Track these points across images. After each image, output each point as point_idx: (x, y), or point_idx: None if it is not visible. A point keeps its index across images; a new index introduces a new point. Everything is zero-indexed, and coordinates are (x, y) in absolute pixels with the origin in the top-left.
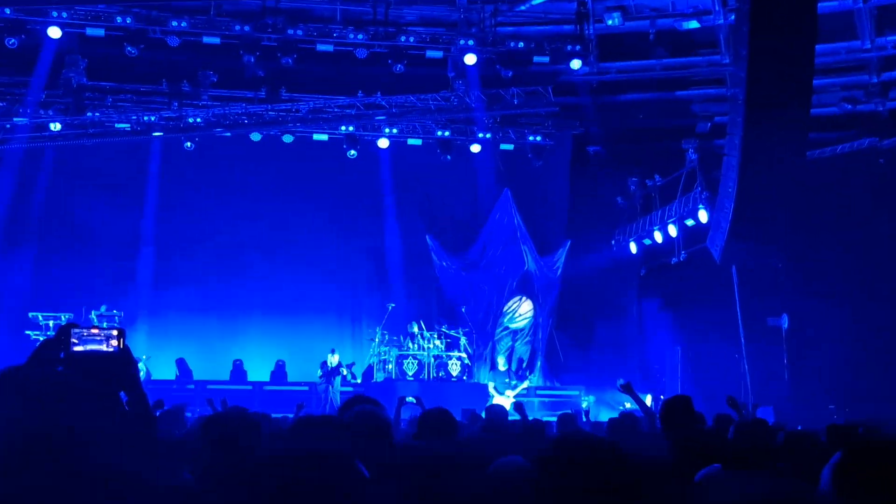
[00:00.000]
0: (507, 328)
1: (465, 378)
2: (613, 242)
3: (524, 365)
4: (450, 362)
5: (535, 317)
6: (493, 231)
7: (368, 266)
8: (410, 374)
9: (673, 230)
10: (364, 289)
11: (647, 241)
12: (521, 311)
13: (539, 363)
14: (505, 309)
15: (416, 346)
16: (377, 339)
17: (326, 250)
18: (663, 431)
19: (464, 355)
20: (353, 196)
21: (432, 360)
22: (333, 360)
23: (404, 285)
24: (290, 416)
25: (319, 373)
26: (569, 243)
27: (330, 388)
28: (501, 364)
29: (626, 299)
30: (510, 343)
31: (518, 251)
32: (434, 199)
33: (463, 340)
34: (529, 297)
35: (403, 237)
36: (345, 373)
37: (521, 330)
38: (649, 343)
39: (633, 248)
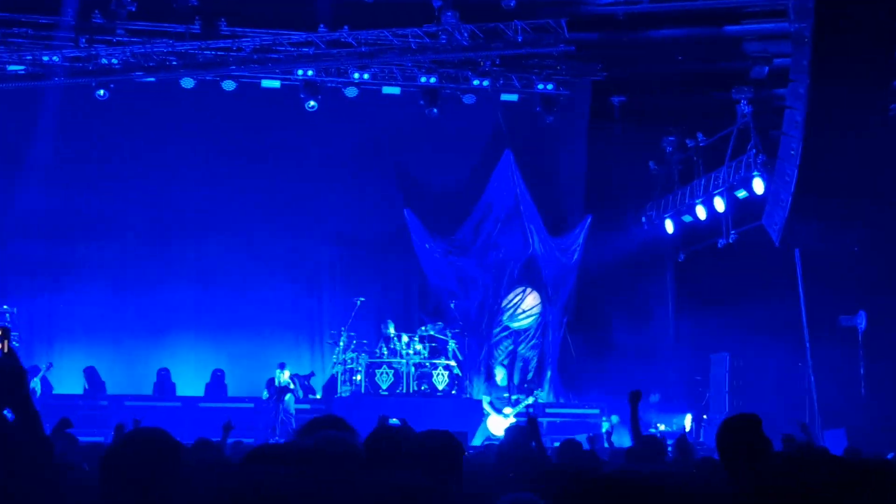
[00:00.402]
0: (507, 328)
1: (453, 392)
2: (644, 220)
3: (529, 376)
4: (435, 372)
5: (542, 314)
6: (490, 205)
7: (331, 250)
8: (385, 387)
9: (720, 204)
10: (325, 279)
11: (687, 219)
12: (526, 306)
13: (549, 374)
14: (504, 304)
15: (391, 351)
16: (342, 344)
17: (277, 230)
18: (724, 463)
19: (452, 363)
20: (313, 161)
21: (412, 369)
22: (284, 376)
23: (376, 274)
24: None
25: (266, 395)
26: (588, 221)
27: (281, 406)
28: (500, 375)
29: (659, 292)
30: (511, 347)
31: (521, 230)
32: (415, 164)
33: (451, 345)
34: (536, 288)
35: (376, 213)
36: (292, 386)
37: (525, 331)
38: (688, 348)
39: (670, 227)
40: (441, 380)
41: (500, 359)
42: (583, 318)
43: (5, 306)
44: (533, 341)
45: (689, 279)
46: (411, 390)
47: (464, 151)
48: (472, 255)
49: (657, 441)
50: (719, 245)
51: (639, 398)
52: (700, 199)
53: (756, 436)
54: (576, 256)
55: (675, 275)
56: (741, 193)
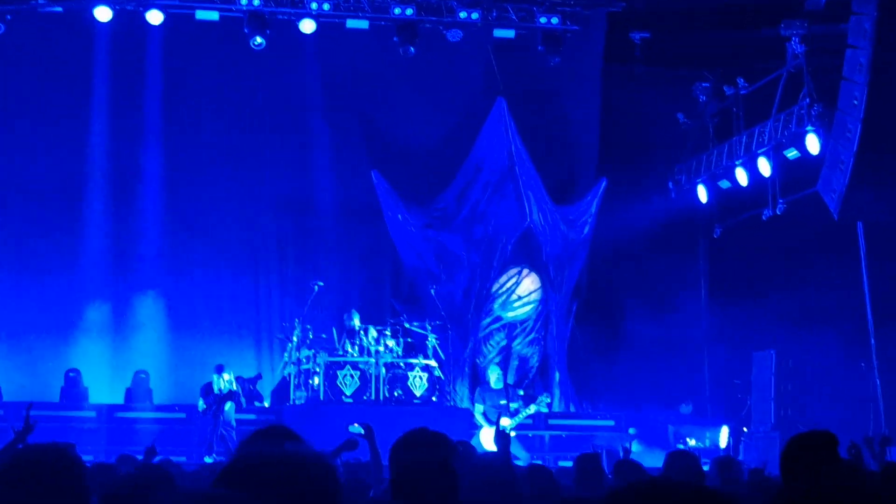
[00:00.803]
0: (499, 319)
1: (434, 399)
2: (671, 186)
3: (530, 377)
4: (411, 374)
5: (543, 301)
6: (478, 167)
7: (282, 223)
8: (349, 392)
9: (765, 166)
10: (274, 258)
11: (725, 184)
12: (522, 291)
13: (557, 376)
14: (495, 289)
15: (356, 349)
16: (295, 339)
17: (214, 197)
18: (787, 488)
19: (433, 363)
20: (259, 111)
21: (383, 370)
22: (223, 381)
23: (338, 253)
24: (174, 458)
25: (202, 404)
26: (601, 186)
27: (219, 417)
28: (494, 377)
29: (689, 275)
30: (504, 343)
31: (517, 198)
32: (387, 116)
33: (431, 340)
34: (534, 269)
35: (337, 176)
36: (235, 388)
37: (523, 322)
38: (725, 345)
39: (703, 194)
40: (419, 384)
41: (491, 356)
42: (594, 307)
43: None
44: (532, 335)
45: (727, 259)
46: (382, 397)
47: (446, 101)
48: (455, 228)
49: (690, 458)
50: (764, 217)
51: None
52: (740, 161)
53: (831, 459)
54: (586, 230)
55: (708, 254)
56: (791, 153)
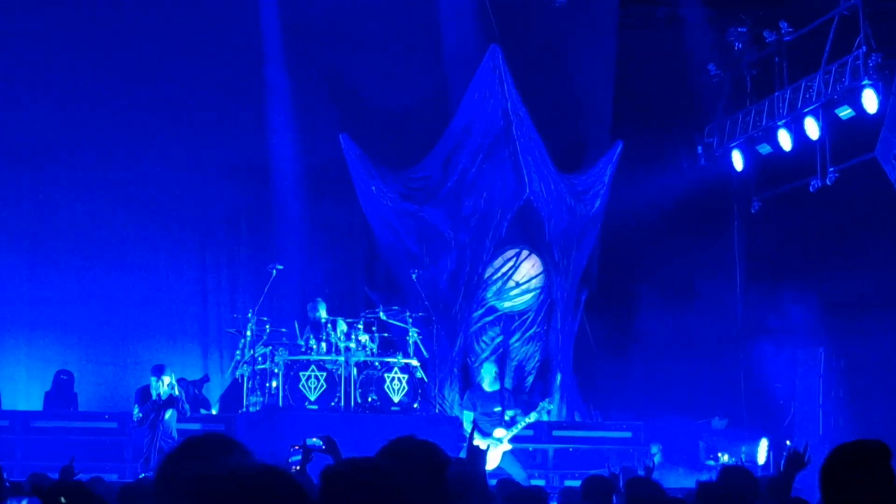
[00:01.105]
0: (493, 310)
1: (416, 406)
2: (700, 151)
3: (529, 381)
4: (388, 376)
5: (546, 288)
6: (467, 128)
7: (234, 194)
8: (313, 398)
9: (813, 127)
10: (225, 237)
11: (765, 149)
12: (521, 277)
13: (559, 378)
14: (488, 274)
15: (323, 345)
16: (249, 334)
17: (148, 165)
18: None
19: (414, 363)
20: (202, 62)
21: (354, 371)
22: (163, 385)
23: (301, 233)
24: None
25: (137, 412)
26: (617, 151)
27: (159, 427)
28: (487, 379)
29: (721, 258)
30: (500, 339)
31: (513, 164)
32: (357, 68)
33: (413, 335)
34: (536, 250)
35: (300, 140)
36: (177, 392)
37: (522, 314)
38: (764, 341)
39: (738, 161)
40: (397, 387)
41: (485, 355)
42: (607, 296)
43: None
44: (533, 329)
45: (766, 239)
46: (353, 403)
47: (430, 50)
48: (439, 201)
49: (745, 475)
50: (811, 189)
51: (799, 466)
52: (783, 121)
53: (883, 475)
54: (597, 204)
55: (744, 233)
56: (845, 112)
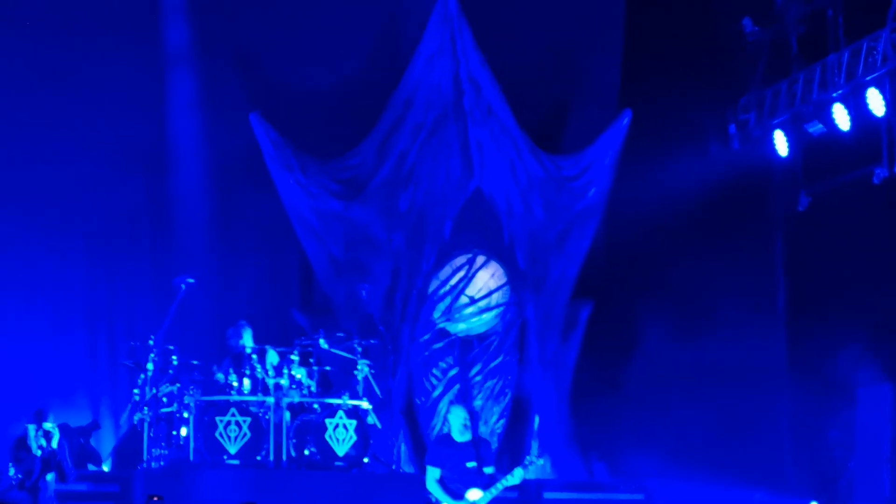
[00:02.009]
0: (443, 334)
1: (366, 461)
2: (734, 130)
3: (496, 424)
4: (330, 422)
5: (514, 304)
6: (408, 100)
7: (131, 189)
8: (233, 450)
9: (877, 101)
10: (121, 243)
11: (816, 128)
12: (476, 290)
13: (537, 420)
14: (433, 288)
15: (247, 382)
16: (151, 367)
17: (29, 154)
18: None
19: (365, 405)
20: (97, 28)
21: (287, 416)
22: (46, 435)
23: (217, 237)
24: None
25: (14, 472)
26: (625, 122)
27: (44, 491)
28: (458, 424)
29: (760, 269)
30: (455, 371)
31: (460, 146)
32: (269, 31)
33: (363, 368)
34: (495, 257)
35: (213, 120)
36: (51, 444)
37: (485, 339)
38: (814, 377)
39: (782, 144)
40: (343, 436)
41: (438, 392)
42: (613, 315)
43: None
44: (500, 358)
45: (817, 245)
46: (285, 457)
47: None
48: (370, 195)
49: None
50: (875, 180)
51: None
52: (839, 93)
53: None
54: (592, 192)
55: (790, 237)
56: None
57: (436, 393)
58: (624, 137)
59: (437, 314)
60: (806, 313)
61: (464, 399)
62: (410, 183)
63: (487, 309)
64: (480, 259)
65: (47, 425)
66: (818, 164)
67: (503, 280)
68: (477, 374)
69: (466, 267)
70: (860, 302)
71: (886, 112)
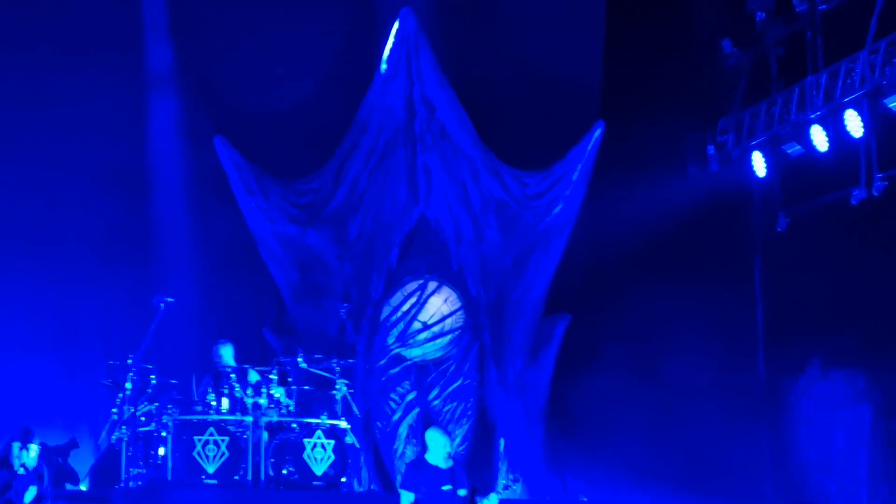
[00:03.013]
0: (399, 359)
1: (343, 481)
2: (712, 151)
3: (457, 448)
4: (308, 442)
5: (470, 329)
6: (364, 124)
7: (108, 207)
8: (211, 469)
9: (855, 123)
10: (97, 264)
11: (795, 149)
12: (429, 316)
13: (502, 444)
14: (385, 314)
15: (225, 401)
16: (129, 386)
17: (3, 172)
18: None
19: (343, 424)
20: (76, 47)
21: (265, 435)
22: (29, 456)
23: (197, 255)
24: None
25: None
26: (595, 135)
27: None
28: (443, 452)
29: (737, 290)
30: (411, 395)
31: (407, 171)
32: (232, 52)
33: (341, 388)
34: (447, 282)
35: (191, 141)
36: (37, 464)
37: (441, 364)
38: (791, 397)
39: (760, 165)
40: (321, 455)
41: (397, 417)
42: (587, 333)
43: None
44: (458, 382)
45: (796, 265)
46: (263, 476)
47: (339, 17)
48: (324, 221)
49: None
50: (853, 201)
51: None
52: (818, 114)
53: None
54: (558, 209)
55: (768, 257)
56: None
57: (395, 417)
58: (596, 150)
59: (391, 340)
60: (784, 333)
61: (428, 423)
62: (360, 209)
63: (441, 334)
64: (432, 285)
65: (32, 446)
66: (796, 185)
67: (457, 305)
68: (435, 398)
69: (418, 293)
70: (838, 322)
71: (864, 133)
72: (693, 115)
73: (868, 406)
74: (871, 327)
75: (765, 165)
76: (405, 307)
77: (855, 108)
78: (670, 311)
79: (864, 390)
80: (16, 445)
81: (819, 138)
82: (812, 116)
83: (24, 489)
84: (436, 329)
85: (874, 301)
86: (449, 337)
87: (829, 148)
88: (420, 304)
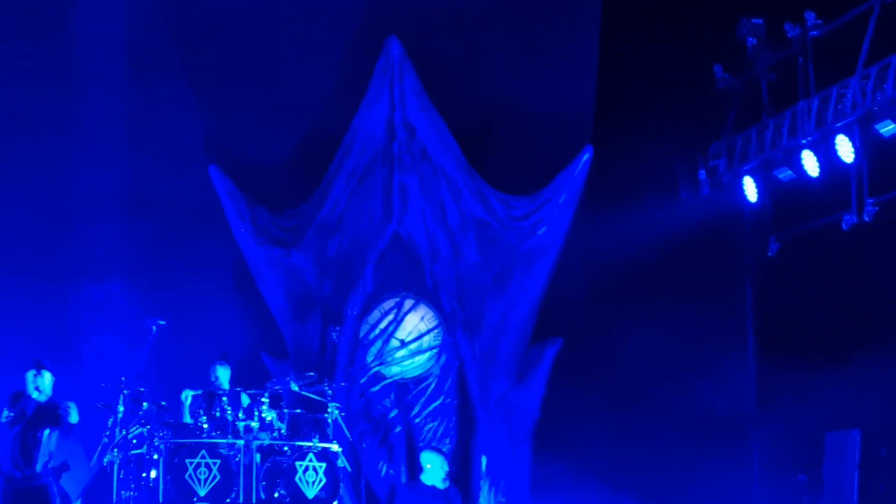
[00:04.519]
0: (379, 377)
1: None
2: (703, 177)
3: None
4: (300, 465)
5: (448, 346)
6: (348, 147)
7: (101, 229)
8: (203, 493)
9: (846, 148)
10: (91, 284)
11: (786, 174)
12: (406, 333)
13: (484, 462)
14: (363, 332)
15: (217, 424)
16: (121, 409)
17: (7, 203)
18: None
19: (335, 447)
20: (63, 66)
21: (258, 458)
22: (45, 380)
23: (190, 276)
24: None
25: (7, 413)
26: (583, 159)
27: (34, 437)
28: (442, 474)
29: (729, 315)
30: (393, 412)
31: (383, 191)
32: (226, 78)
33: (332, 412)
34: (424, 300)
35: (181, 167)
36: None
37: (420, 381)
38: (782, 421)
39: (752, 190)
40: (312, 479)
41: (379, 436)
42: (579, 355)
43: None
44: (439, 400)
45: (787, 291)
46: (254, 499)
47: (324, 43)
48: (307, 242)
49: None
50: (844, 226)
51: None
52: (809, 139)
53: None
54: (543, 231)
55: (759, 283)
56: (888, 128)
57: (383, 434)
58: (585, 174)
59: (369, 358)
60: (775, 358)
61: (410, 442)
62: (339, 229)
63: (420, 352)
64: (409, 302)
65: (46, 373)
66: (787, 210)
67: (434, 323)
68: (416, 416)
69: (395, 310)
70: (829, 347)
71: (855, 159)
72: (685, 140)
73: (858, 430)
74: (861, 352)
75: (756, 190)
76: (382, 325)
77: (846, 134)
78: (663, 336)
79: (855, 414)
80: (30, 373)
81: (810, 163)
82: (803, 142)
83: (66, 410)
84: (413, 347)
85: (865, 325)
86: (427, 355)
87: (821, 173)
88: (397, 322)
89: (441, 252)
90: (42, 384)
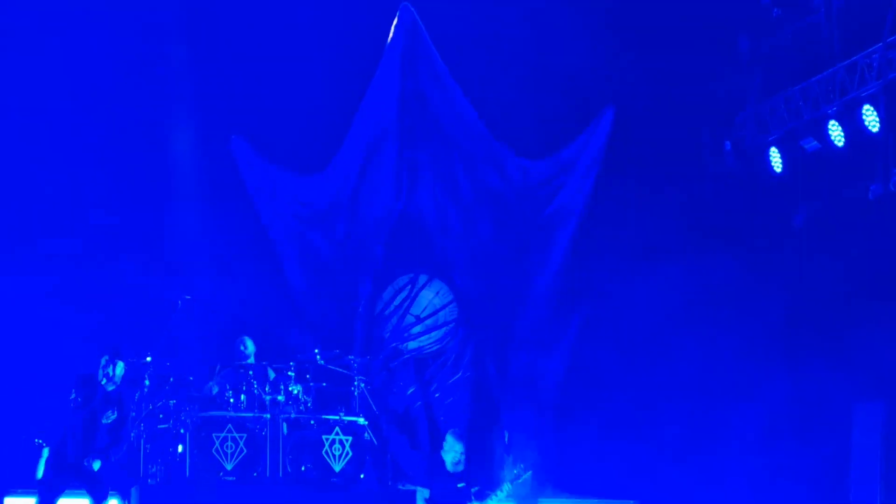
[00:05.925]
0: (398, 352)
1: (362, 477)
2: (728, 147)
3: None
4: (327, 438)
5: (462, 321)
6: (364, 119)
7: (122, 203)
8: (230, 466)
9: (871, 117)
10: (114, 259)
11: (811, 144)
12: (421, 309)
13: (506, 437)
14: (379, 309)
15: (245, 398)
16: (147, 383)
17: (14, 170)
18: None
19: (361, 421)
20: (80, 39)
21: (284, 430)
22: (116, 370)
23: (214, 250)
24: None
25: (75, 395)
26: (605, 119)
27: (99, 419)
28: (453, 459)
29: (756, 286)
30: (411, 389)
31: (395, 164)
32: (249, 43)
33: (359, 385)
34: (438, 275)
35: (204, 138)
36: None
37: (438, 356)
38: (808, 390)
39: (777, 160)
40: (339, 452)
41: (399, 410)
42: (604, 326)
43: None
44: (458, 375)
45: (814, 261)
46: (281, 472)
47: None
48: (320, 219)
49: None
50: (871, 196)
51: None
52: (834, 109)
53: None
54: (562, 196)
55: (786, 254)
56: None
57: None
58: (606, 135)
59: (386, 335)
60: (802, 329)
61: (430, 416)
62: (351, 207)
63: (435, 327)
64: (423, 278)
65: (120, 363)
66: (813, 180)
67: (449, 298)
68: (435, 391)
69: (409, 287)
70: (856, 317)
71: (881, 128)
72: (710, 111)
73: (882, 401)
74: (887, 322)
75: (781, 161)
76: (396, 301)
77: (871, 103)
78: (687, 307)
79: (881, 384)
80: (103, 359)
81: (836, 133)
82: (829, 111)
83: (108, 408)
84: (429, 322)
85: (890, 296)
86: (443, 329)
87: (846, 143)
88: (411, 298)
89: (452, 227)
90: (113, 372)
